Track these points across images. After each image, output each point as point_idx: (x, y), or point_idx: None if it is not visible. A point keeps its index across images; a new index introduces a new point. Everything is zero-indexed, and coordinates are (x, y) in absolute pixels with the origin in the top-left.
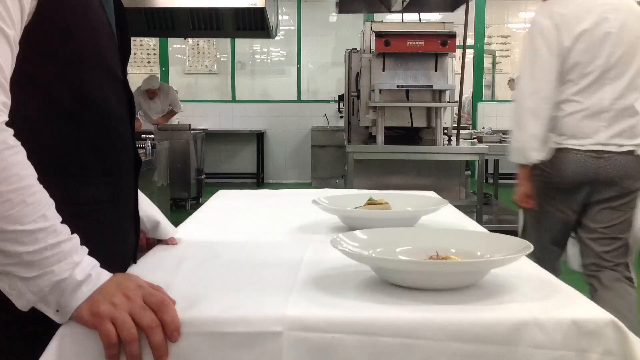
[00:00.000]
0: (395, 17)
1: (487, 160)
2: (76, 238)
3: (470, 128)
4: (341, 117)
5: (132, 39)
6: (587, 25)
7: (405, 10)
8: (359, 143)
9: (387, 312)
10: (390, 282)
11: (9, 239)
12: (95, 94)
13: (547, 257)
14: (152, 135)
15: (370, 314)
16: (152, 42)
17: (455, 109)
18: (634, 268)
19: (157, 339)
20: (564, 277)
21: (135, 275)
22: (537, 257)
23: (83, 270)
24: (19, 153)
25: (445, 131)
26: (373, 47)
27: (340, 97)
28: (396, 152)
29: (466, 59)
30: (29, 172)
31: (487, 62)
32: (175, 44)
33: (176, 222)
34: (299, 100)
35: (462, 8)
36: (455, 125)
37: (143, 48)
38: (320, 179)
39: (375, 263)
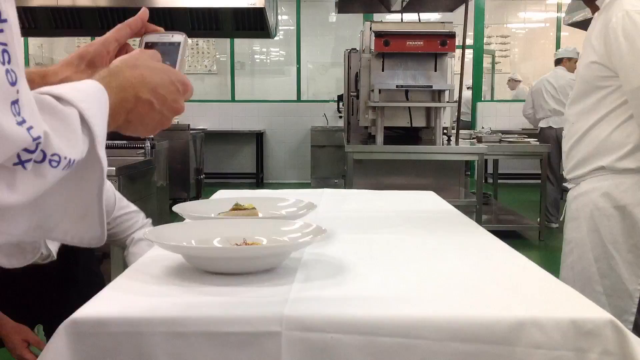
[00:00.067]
0: (394, 17)
1: (486, 160)
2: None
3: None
4: (340, 117)
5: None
6: None
7: (404, 10)
8: (358, 143)
9: (386, 311)
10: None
11: None
12: None
13: None
14: (152, 135)
15: (369, 313)
16: None
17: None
18: None
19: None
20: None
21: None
22: None
23: None
24: None
25: (445, 131)
26: (372, 47)
27: (340, 97)
28: (396, 152)
29: (465, 59)
30: None
31: (486, 62)
32: None
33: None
34: (299, 100)
35: (462, 8)
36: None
37: None
38: (319, 179)
39: (185, 252)
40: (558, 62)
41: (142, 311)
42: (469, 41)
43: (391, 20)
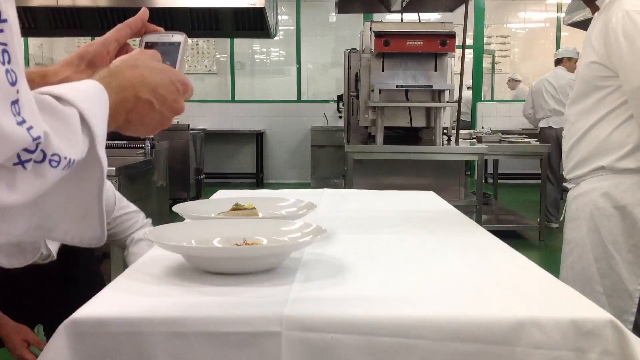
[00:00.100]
0: (394, 17)
1: (486, 160)
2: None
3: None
4: (340, 117)
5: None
6: None
7: (404, 10)
8: (358, 143)
9: (386, 311)
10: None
11: None
12: None
13: None
14: (152, 135)
15: (369, 313)
16: None
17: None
18: None
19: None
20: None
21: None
22: None
23: None
24: None
25: (445, 131)
26: (372, 47)
27: (340, 97)
28: (396, 152)
29: (465, 59)
30: None
31: (486, 62)
32: None
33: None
34: (299, 100)
35: (462, 8)
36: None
37: None
38: (319, 179)
39: (185, 252)
40: (558, 62)
41: (142, 311)
42: (469, 41)
43: (391, 20)
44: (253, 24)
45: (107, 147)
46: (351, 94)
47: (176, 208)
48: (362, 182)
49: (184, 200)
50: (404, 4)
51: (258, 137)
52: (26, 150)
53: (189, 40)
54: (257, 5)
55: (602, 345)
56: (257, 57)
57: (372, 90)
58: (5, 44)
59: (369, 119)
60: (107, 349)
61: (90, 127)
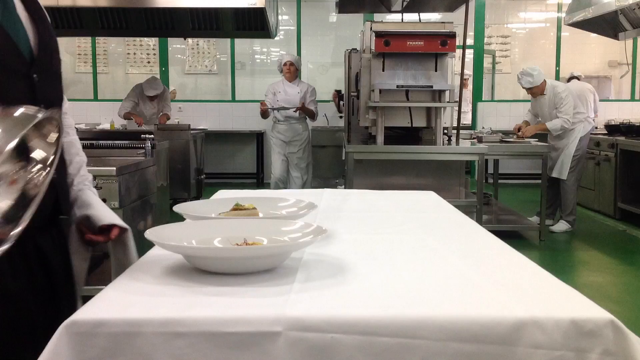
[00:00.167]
0: (395, 17)
1: (487, 160)
2: None
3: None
4: (341, 117)
5: (132, 38)
6: None
7: (405, 10)
8: (358, 143)
9: (386, 311)
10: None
11: None
12: None
13: None
14: (152, 135)
15: (369, 313)
16: (152, 42)
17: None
18: None
19: None
20: (563, 277)
21: None
22: None
23: None
24: None
25: (445, 131)
26: (373, 47)
27: (339, 92)
28: (396, 152)
29: (466, 59)
30: None
31: (486, 62)
32: (175, 44)
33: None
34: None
35: (462, 8)
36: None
37: (143, 48)
38: (320, 179)
39: (185, 252)
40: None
41: (142, 311)
42: (470, 41)
43: (391, 20)
44: (253, 24)
45: (108, 147)
46: (351, 94)
47: (177, 208)
48: (362, 182)
49: (185, 201)
50: (405, 4)
51: (258, 137)
52: None
53: (189, 41)
54: (258, 5)
55: (602, 345)
56: (257, 57)
57: (373, 90)
58: None
59: (369, 119)
60: (107, 349)
61: None
